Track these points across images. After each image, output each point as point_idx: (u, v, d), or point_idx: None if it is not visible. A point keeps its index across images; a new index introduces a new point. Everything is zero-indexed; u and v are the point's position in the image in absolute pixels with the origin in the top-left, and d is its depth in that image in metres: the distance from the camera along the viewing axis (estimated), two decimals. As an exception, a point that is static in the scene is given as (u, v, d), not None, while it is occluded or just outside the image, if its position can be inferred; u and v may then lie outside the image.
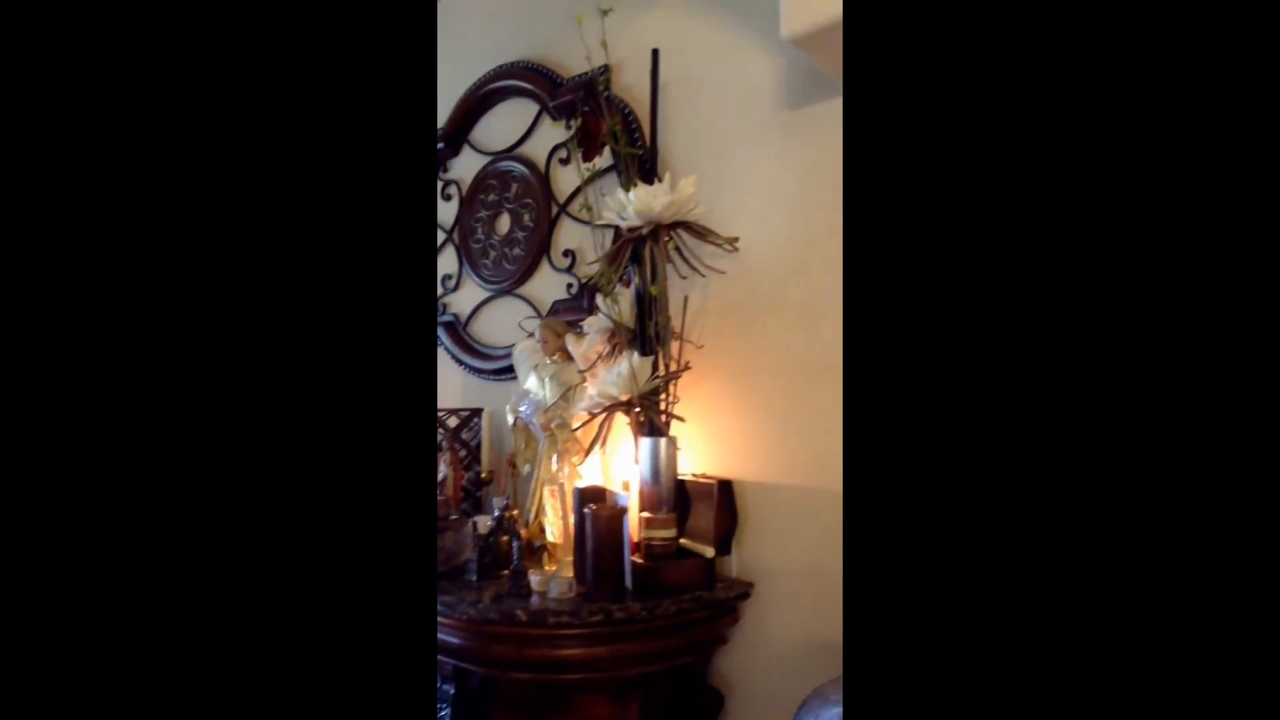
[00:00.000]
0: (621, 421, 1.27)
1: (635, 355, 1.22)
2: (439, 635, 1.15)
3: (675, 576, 1.13)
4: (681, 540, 1.20)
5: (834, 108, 1.20)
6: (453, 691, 1.20)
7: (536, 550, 1.34)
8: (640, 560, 1.15)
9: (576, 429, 1.32)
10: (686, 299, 1.30)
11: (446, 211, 1.84)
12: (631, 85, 1.45)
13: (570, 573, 1.20)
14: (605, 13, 1.30)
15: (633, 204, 1.18)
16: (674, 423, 1.24)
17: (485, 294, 1.74)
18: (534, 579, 1.18)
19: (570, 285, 1.55)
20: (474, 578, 1.27)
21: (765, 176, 1.28)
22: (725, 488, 1.23)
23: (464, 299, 1.79)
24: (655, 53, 1.37)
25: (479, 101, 1.76)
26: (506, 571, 1.23)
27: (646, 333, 1.24)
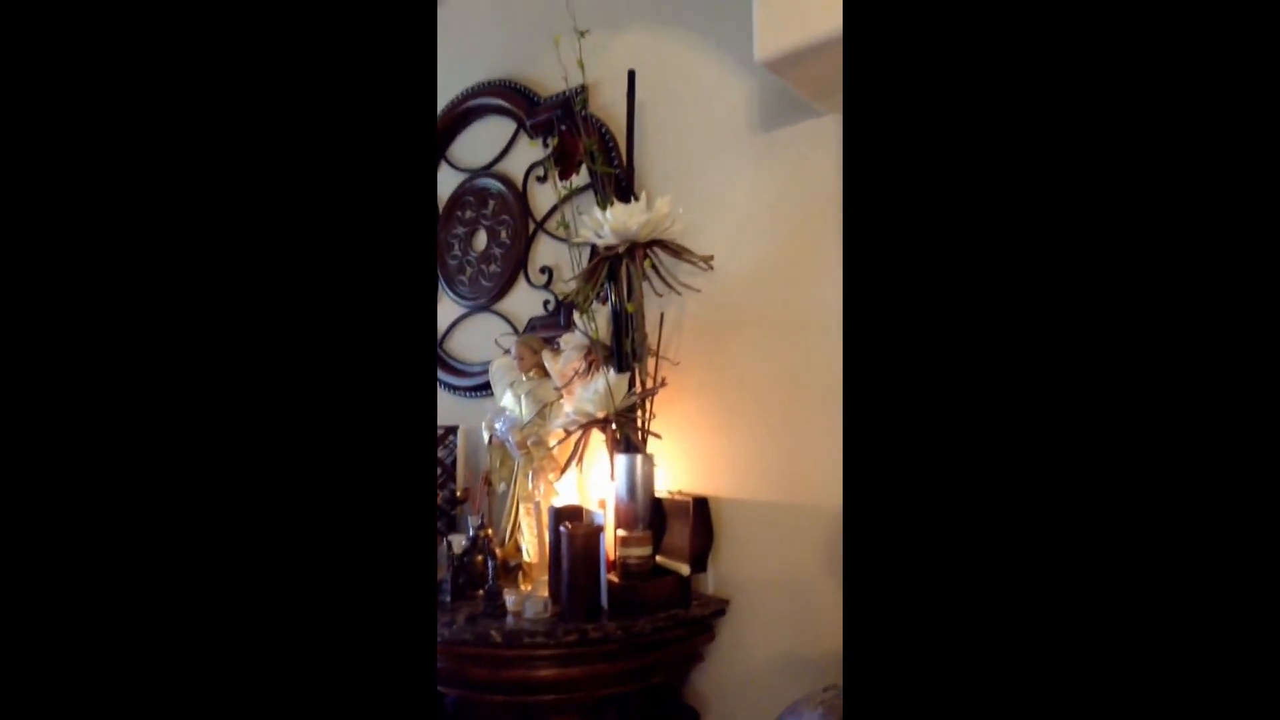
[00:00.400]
0: (598, 439, 1.27)
1: (612, 372, 1.22)
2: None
3: (651, 595, 1.13)
4: (657, 558, 1.20)
5: (807, 129, 1.22)
6: (425, 715, 1.17)
7: (512, 570, 1.33)
8: (616, 579, 1.14)
9: (553, 446, 1.32)
10: (663, 316, 1.31)
11: (423, 227, 1.83)
12: (609, 104, 1.47)
13: (545, 592, 1.20)
14: (582, 34, 1.32)
15: (609, 222, 1.19)
16: (650, 440, 1.24)
17: (461, 310, 1.74)
18: (509, 599, 1.17)
19: (547, 302, 1.55)
20: (448, 598, 1.26)
21: (740, 196, 1.30)
22: (701, 505, 1.23)
23: (440, 315, 1.78)
24: (631, 74, 1.39)
25: (456, 118, 1.76)
26: (481, 591, 1.22)
27: (623, 349, 1.25)
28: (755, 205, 1.28)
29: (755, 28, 1.06)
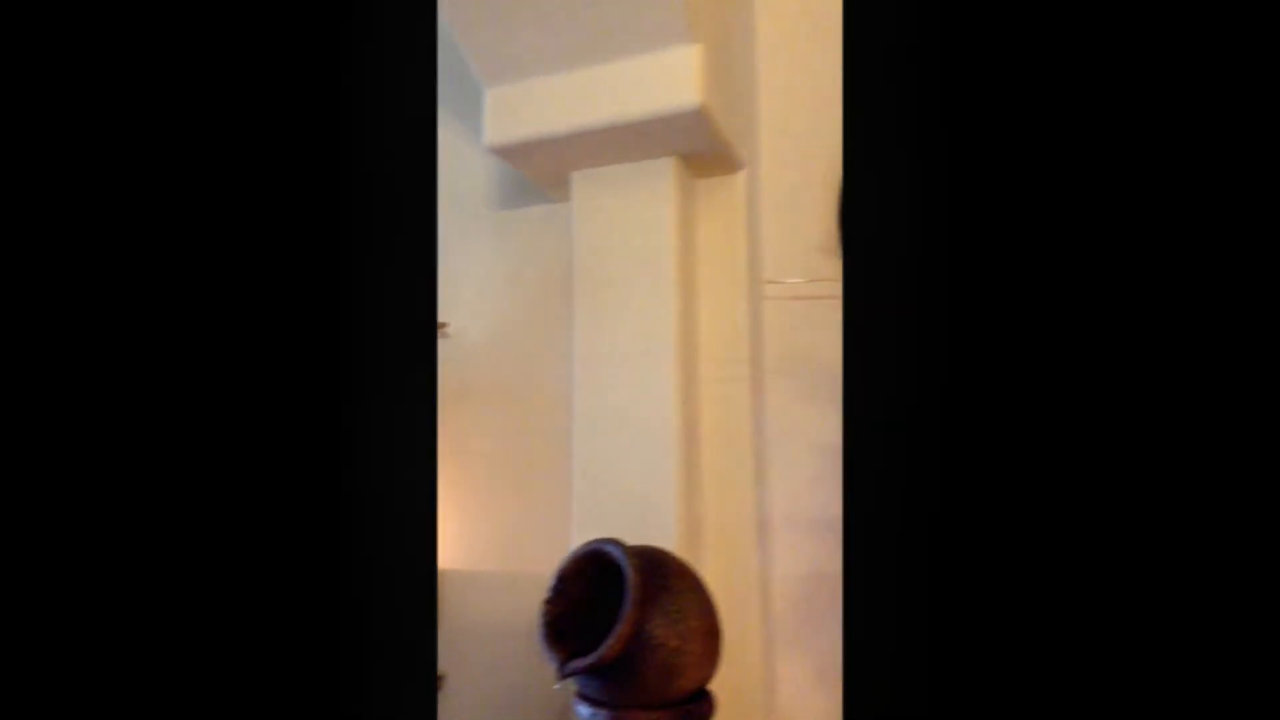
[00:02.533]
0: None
1: (330, 439, 1.17)
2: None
3: (354, 677, 1.07)
4: (368, 636, 1.15)
5: (540, 213, 1.29)
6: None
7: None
8: (315, 662, 1.07)
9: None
10: (395, 382, 1.29)
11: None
12: (355, 164, 1.45)
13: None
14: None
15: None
16: (371, 510, 1.20)
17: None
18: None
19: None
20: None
21: (479, 268, 1.34)
22: (422, 576, 1.20)
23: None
24: (376, 138, 1.39)
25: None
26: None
27: (346, 416, 1.20)
28: (492, 278, 1.32)
29: (484, 116, 1.12)
